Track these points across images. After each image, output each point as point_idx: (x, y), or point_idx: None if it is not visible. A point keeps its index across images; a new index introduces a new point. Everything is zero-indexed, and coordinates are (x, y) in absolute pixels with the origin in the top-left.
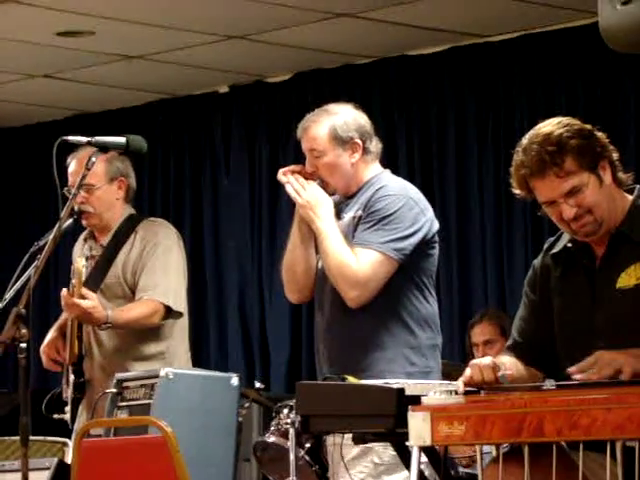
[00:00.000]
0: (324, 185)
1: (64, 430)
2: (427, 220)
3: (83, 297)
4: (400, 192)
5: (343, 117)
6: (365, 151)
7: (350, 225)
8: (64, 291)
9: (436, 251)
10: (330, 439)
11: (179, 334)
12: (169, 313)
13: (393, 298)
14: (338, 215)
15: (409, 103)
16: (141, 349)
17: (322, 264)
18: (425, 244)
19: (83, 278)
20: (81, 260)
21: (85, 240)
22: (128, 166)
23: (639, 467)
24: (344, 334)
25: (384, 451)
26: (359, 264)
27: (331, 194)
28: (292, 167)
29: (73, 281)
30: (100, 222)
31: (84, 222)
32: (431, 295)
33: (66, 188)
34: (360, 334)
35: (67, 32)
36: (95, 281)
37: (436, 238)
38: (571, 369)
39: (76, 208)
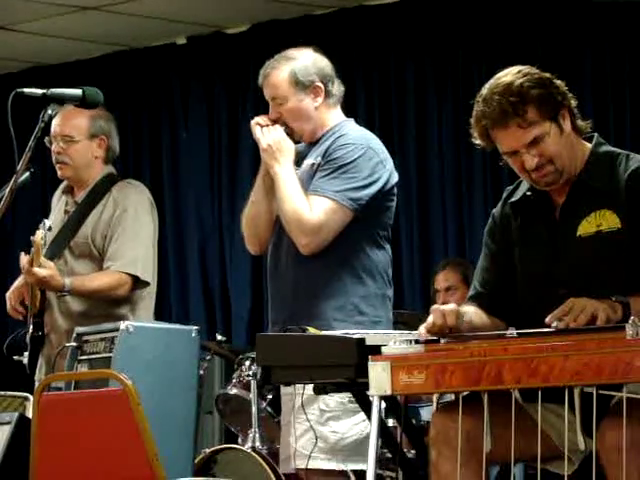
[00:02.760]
0: (290, 132)
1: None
2: (386, 171)
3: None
4: (360, 141)
5: (302, 61)
6: (327, 94)
7: (308, 172)
8: (23, 257)
9: (393, 203)
10: (283, 388)
11: (144, 302)
12: (137, 283)
13: (346, 248)
14: (297, 163)
15: (368, 54)
16: (105, 314)
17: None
18: (383, 195)
19: (42, 252)
20: (40, 233)
21: (63, 192)
22: (112, 127)
23: (597, 412)
24: (295, 281)
25: (330, 398)
26: (312, 211)
27: (296, 141)
28: (262, 118)
29: (37, 243)
30: (74, 176)
31: (59, 173)
32: (385, 246)
33: (47, 137)
34: (311, 282)
35: None
36: (65, 238)
37: (395, 190)
38: (547, 319)
39: (53, 158)
